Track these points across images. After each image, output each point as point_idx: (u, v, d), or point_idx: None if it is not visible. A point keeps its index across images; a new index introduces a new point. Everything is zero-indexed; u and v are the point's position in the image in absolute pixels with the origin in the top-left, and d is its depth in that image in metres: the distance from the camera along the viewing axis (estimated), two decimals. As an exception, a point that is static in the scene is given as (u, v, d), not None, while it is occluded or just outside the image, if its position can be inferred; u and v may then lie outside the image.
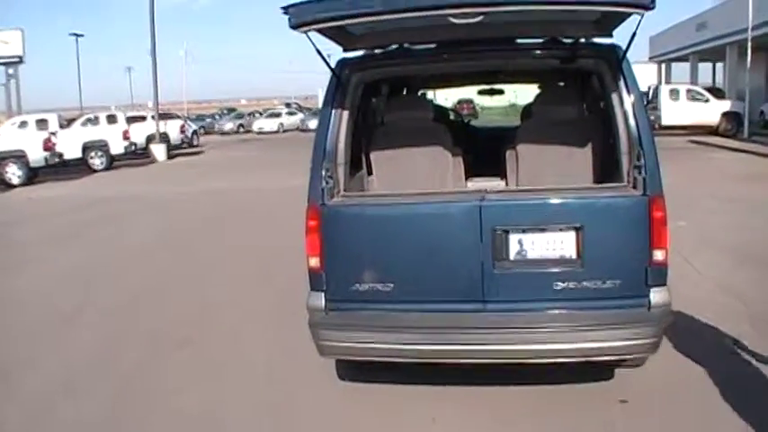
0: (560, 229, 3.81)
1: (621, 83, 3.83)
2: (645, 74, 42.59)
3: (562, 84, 5.11)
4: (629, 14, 3.38)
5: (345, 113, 4.15)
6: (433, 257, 3.89)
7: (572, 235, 3.79)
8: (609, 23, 3.63)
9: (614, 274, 3.77)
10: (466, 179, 4.70)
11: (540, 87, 5.73)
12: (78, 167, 23.11)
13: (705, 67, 40.21)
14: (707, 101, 26.62)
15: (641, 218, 3.73)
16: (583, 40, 4.03)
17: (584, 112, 4.28)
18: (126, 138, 24.77)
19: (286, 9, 3.42)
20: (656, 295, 3.76)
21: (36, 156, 20.06)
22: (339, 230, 4.02)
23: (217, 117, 56.76)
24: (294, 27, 3.45)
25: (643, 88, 28.67)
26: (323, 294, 4.04)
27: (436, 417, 4.08)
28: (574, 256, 3.80)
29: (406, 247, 3.93)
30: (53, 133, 21.66)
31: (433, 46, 4.19)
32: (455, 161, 4.54)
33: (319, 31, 3.68)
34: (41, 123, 22.82)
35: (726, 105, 26.66)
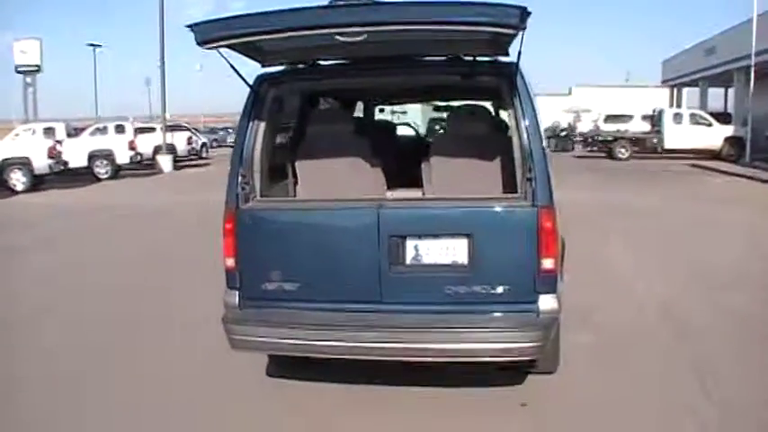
0: (452, 237, 3.99)
1: (516, 99, 4.00)
2: (656, 98, 42.75)
3: (473, 100, 5.29)
4: (515, 34, 3.55)
5: (262, 125, 4.36)
6: (334, 260, 4.10)
7: (464, 242, 3.96)
8: (501, 42, 3.79)
9: (504, 281, 3.93)
10: (389, 189, 4.88)
11: (454, 104, 5.95)
12: (84, 176, 23.54)
13: (718, 93, 40.23)
14: (710, 125, 26.68)
15: (530, 227, 3.89)
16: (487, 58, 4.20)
17: (494, 127, 4.45)
18: (132, 148, 25.19)
19: (191, 27, 3.67)
20: (545, 302, 3.92)
21: (40, 163, 20.41)
22: (251, 233, 4.23)
23: (230, 130, 57.30)
24: (199, 44, 3.71)
25: (647, 111, 29.09)
26: (237, 292, 4.26)
27: (337, 415, 4.25)
28: (465, 263, 3.97)
29: (310, 250, 4.14)
30: (58, 141, 22.07)
31: (342, 62, 4.40)
32: (374, 171, 4.72)
33: (231, 47, 3.93)
34: (48, 132, 23.29)
35: (729, 130, 26.71)
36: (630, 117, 32.10)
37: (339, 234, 4.12)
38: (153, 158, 27.71)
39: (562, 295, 4.34)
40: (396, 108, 7.77)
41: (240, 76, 4.24)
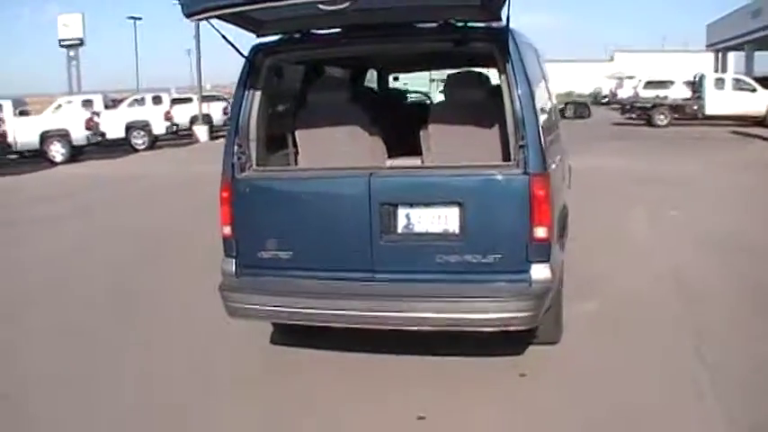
0: (444, 205, 3.98)
1: (508, 65, 3.94)
2: (701, 63, 41.60)
3: (469, 67, 5.22)
4: None
5: (257, 95, 4.39)
6: (328, 229, 4.14)
7: (455, 210, 3.96)
8: (493, 6, 3.73)
9: (496, 249, 3.92)
10: (391, 157, 4.89)
11: (451, 71, 5.87)
12: (122, 146, 23.98)
13: (765, 57, 38.87)
14: (754, 90, 25.85)
15: (522, 195, 3.86)
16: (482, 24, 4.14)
17: (492, 93, 4.40)
18: (167, 118, 25.52)
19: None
20: (537, 271, 3.89)
21: (78, 135, 20.84)
22: (247, 202, 4.30)
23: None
24: (187, 16, 3.75)
25: (689, 77, 28.29)
26: (234, 260, 4.34)
27: (343, 383, 4.32)
28: (457, 231, 3.97)
29: (304, 219, 4.19)
30: (95, 113, 22.50)
31: (336, 31, 4.38)
32: (373, 140, 4.71)
33: (222, 19, 3.95)
34: (86, 104, 23.72)
35: (773, 95, 25.82)
36: (671, 83, 31.31)
37: (332, 203, 4.16)
38: (189, 129, 28.05)
39: (561, 264, 4.34)
40: (408, 76, 7.70)
41: (233, 46, 4.27)
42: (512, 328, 3.92)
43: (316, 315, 4.11)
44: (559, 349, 4.60)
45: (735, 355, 4.48)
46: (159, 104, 25.98)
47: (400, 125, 4.89)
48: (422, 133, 4.61)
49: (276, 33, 4.41)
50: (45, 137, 20.55)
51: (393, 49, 4.73)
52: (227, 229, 4.33)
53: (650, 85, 31.51)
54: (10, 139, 19.65)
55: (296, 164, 4.88)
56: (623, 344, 4.76)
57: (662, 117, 26.88)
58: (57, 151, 20.69)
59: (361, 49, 4.58)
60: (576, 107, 28.28)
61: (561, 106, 7.25)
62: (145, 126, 24.68)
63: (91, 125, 21.27)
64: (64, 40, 36.89)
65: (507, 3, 3.57)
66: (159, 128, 25.25)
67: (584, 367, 4.40)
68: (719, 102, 25.62)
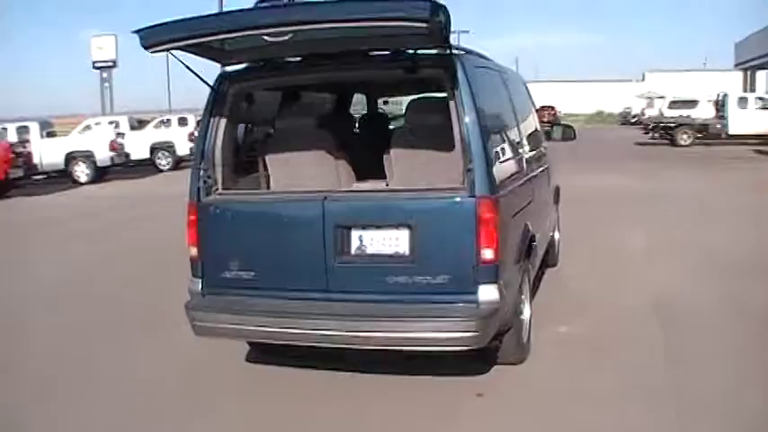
0: (395, 228, 4.10)
1: (456, 91, 4.05)
2: (730, 82, 41.14)
3: (425, 93, 5.33)
4: (432, 27, 3.60)
5: (223, 121, 4.56)
6: (286, 250, 4.29)
7: (406, 233, 4.07)
8: (439, 34, 3.82)
9: (445, 271, 4.02)
10: (359, 180, 5.01)
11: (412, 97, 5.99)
12: (147, 167, 24.45)
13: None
14: (778, 109, 25.49)
15: (469, 218, 3.96)
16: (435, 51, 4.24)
17: (449, 119, 4.50)
18: (191, 140, 25.93)
19: (136, 32, 3.92)
20: (485, 292, 3.98)
21: (103, 156, 21.36)
22: (211, 224, 4.48)
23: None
24: (145, 48, 3.96)
25: (713, 96, 27.98)
26: (200, 281, 4.50)
27: (290, 401, 4.42)
28: (407, 253, 4.08)
29: (264, 241, 4.35)
30: (120, 134, 23.02)
31: (297, 60, 4.54)
32: (339, 164, 4.86)
33: (186, 50, 4.14)
34: (113, 125, 24.26)
35: (799, 114, 25.44)
36: (696, 102, 31.02)
37: (289, 225, 4.30)
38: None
39: (519, 284, 4.39)
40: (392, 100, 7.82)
41: (198, 75, 4.47)
42: (459, 348, 4.01)
43: (275, 334, 4.24)
44: (523, 369, 4.65)
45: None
46: (185, 126, 26.33)
47: (372, 149, 5.01)
48: (385, 157, 4.74)
49: (240, 63, 4.58)
50: (70, 158, 21.09)
51: (349, 76, 4.88)
52: (194, 251, 4.51)
53: (675, 104, 31.28)
54: (36, 160, 20.19)
55: (268, 187, 5.02)
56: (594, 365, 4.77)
57: (685, 137, 26.63)
58: (81, 172, 21.20)
59: (320, 76, 4.73)
60: (564, 129, 28.17)
61: (548, 128, 7.24)
62: (169, 147, 25.11)
63: (115, 146, 21.76)
64: (97, 61, 37.88)
65: (443, 32, 3.68)
66: (183, 149, 25.65)
67: (545, 388, 4.43)
68: (743, 121, 25.33)
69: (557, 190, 7.54)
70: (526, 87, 6.90)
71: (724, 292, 6.30)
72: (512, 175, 4.67)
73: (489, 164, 4.01)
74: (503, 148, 4.61)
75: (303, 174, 4.80)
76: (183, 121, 26.78)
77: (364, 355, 4.40)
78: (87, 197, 17.83)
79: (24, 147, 19.53)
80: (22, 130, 21.25)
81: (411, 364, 4.54)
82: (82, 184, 20.89)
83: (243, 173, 4.90)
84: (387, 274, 4.10)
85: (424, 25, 3.49)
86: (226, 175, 4.62)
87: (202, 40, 3.92)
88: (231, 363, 4.98)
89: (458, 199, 4.02)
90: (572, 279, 7.00)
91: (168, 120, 27.32)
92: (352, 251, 4.18)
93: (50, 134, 22.55)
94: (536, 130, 6.48)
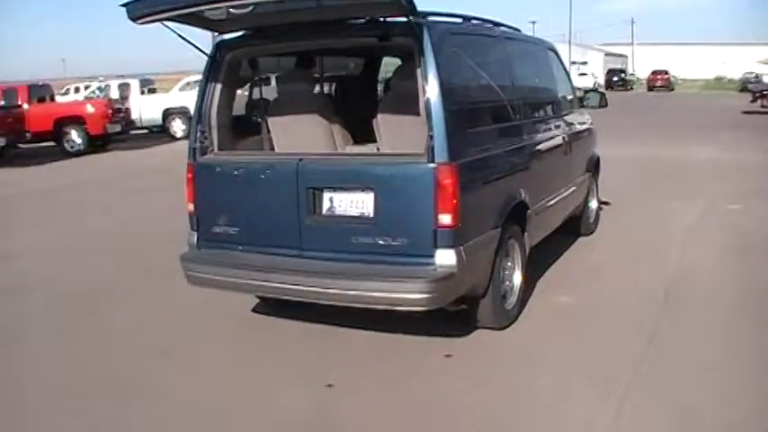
0: (361, 190, 4.29)
1: (421, 57, 4.15)
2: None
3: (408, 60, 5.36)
4: None
5: (219, 86, 4.85)
6: (265, 209, 4.59)
7: (370, 196, 4.25)
8: (400, 4, 3.91)
9: (405, 234, 4.18)
10: (356, 143, 5.21)
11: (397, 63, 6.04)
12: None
13: None
14: None
15: (427, 183, 4.08)
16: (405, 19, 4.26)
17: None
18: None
19: (124, 5, 4.22)
20: (442, 256, 4.11)
21: (198, 111, 22.35)
22: (205, 182, 4.84)
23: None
24: (132, 20, 4.26)
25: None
26: (196, 234, 4.88)
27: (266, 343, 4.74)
28: (372, 215, 4.27)
29: (247, 199, 4.66)
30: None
31: (286, 27, 4.69)
32: (335, 128, 5.07)
33: (176, 20, 4.43)
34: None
35: None
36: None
37: (268, 186, 4.57)
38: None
39: (482, 250, 4.44)
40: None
41: (192, 44, 4.76)
42: (415, 309, 4.17)
43: (254, 286, 4.56)
44: (503, 335, 4.77)
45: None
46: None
47: (367, 113, 5.17)
48: (374, 122, 4.90)
49: (234, 31, 4.82)
50: (167, 114, 22.20)
51: (329, 43, 5.02)
52: (191, 206, 4.88)
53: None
54: (135, 116, 21.40)
55: (272, 148, 5.28)
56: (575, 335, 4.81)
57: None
58: (178, 127, 22.31)
59: (303, 43, 4.91)
60: (600, 97, 26.96)
61: (581, 94, 7.09)
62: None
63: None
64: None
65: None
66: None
67: (515, 353, 4.54)
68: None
69: (592, 159, 7.44)
70: (553, 54, 6.79)
71: None
72: (495, 141, 4.72)
73: (451, 131, 4.09)
74: (482, 115, 4.66)
75: (302, 136, 5.03)
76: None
77: (357, 311, 4.55)
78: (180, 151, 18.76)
79: (123, 103, 20.67)
80: (124, 87, 22.49)
81: (398, 322, 4.70)
82: (178, 138, 21.98)
83: (244, 135, 5.18)
84: (353, 234, 4.30)
85: None
86: (222, 137, 4.92)
87: (177, 12, 4.17)
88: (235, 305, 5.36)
89: (417, 165, 4.14)
90: (596, 249, 6.96)
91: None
92: (324, 211, 4.41)
93: (151, 90, 23.74)
94: (555, 97, 6.41)
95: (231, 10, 4.03)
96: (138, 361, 4.58)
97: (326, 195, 4.39)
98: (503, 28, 5.61)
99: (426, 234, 4.11)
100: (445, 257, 4.10)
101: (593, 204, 7.64)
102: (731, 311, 5.18)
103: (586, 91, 7.91)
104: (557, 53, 6.97)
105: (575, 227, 7.25)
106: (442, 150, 4.06)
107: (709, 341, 4.64)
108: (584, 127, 7.23)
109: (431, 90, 4.11)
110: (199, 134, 4.83)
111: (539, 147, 5.54)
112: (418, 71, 4.19)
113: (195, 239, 4.88)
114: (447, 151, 4.06)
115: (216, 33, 4.87)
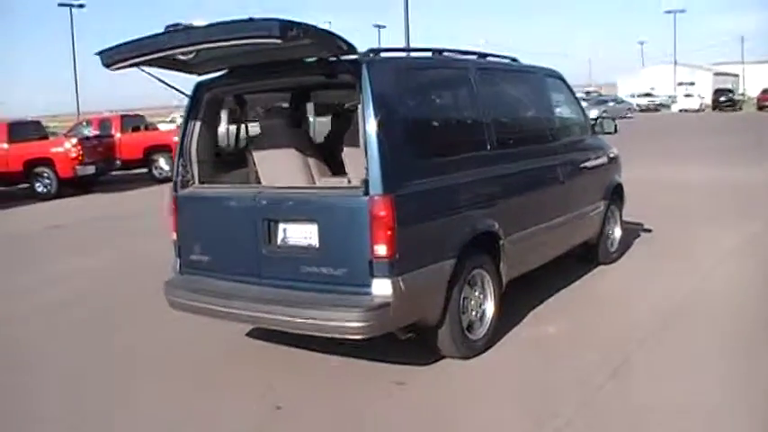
0: (308, 222, 4.50)
1: (361, 93, 4.31)
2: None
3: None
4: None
5: (198, 124, 5.20)
6: (230, 238, 4.90)
7: (315, 227, 4.46)
8: (326, 45, 4.22)
9: (345, 264, 4.36)
10: (333, 175, 5.41)
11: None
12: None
13: None
14: None
15: (363, 215, 4.24)
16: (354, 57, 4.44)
17: None
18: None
19: (99, 53, 4.61)
20: (378, 286, 4.23)
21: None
22: (183, 213, 5.21)
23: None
24: (106, 66, 4.63)
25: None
26: (178, 260, 5.24)
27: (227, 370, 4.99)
28: (317, 246, 4.46)
29: (215, 229, 4.99)
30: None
31: (254, 68, 4.94)
32: (311, 161, 5.31)
33: (154, 65, 4.78)
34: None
35: None
36: None
37: (233, 216, 4.89)
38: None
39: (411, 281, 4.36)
40: None
41: (173, 87, 5.16)
42: (352, 337, 4.30)
43: (218, 312, 4.82)
44: (465, 365, 4.80)
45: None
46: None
47: (340, 146, 5.37)
48: (342, 155, 5.11)
49: (209, 72, 5.15)
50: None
51: (289, 81, 5.29)
52: (174, 235, 5.25)
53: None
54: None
55: (258, 181, 5.55)
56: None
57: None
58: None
59: (270, 82, 5.17)
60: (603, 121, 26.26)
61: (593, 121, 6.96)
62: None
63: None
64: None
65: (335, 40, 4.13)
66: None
67: (470, 385, 4.58)
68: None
69: (611, 186, 7.29)
70: (555, 81, 6.72)
71: None
72: (453, 171, 4.79)
73: (389, 163, 4.23)
74: (436, 146, 4.80)
75: (282, 169, 5.30)
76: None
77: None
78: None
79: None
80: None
81: (367, 349, 4.75)
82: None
83: (232, 167, 5.49)
84: (303, 264, 4.51)
85: (279, 41, 3.86)
86: (203, 171, 5.26)
87: (146, 58, 4.51)
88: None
89: (354, 197, 4.31)
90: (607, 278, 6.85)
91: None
92: (279, 242, 4.65)
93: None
94: (548, 125, 6.35)
95: (180, 56, 4.36)
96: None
97: (281, 226, 4.63)
98: (474, 58, 5.66)
99: (363, 264, 4.24)
100: (381, 287, 4.21)
101: (617, 233, 7.48)
102: (716, 349, 5.00)
103: (596, 118, 7.78)
104: (563, 80, 6.88)
105: (591, 255, 7.12)
106: (377, 183, 4.19)
107: (678, 378, 4.50)
108: (598, 154, 7.12)
109: (367, 124, 4.27)
110: (180, 168, 5.19)
111: (519, 176, 5.53)
112: (359, 107, 4.37)
113: (178, 266, 5.22)
114: (382, 184, 4.19)
115: (197, 75, 5.21)
